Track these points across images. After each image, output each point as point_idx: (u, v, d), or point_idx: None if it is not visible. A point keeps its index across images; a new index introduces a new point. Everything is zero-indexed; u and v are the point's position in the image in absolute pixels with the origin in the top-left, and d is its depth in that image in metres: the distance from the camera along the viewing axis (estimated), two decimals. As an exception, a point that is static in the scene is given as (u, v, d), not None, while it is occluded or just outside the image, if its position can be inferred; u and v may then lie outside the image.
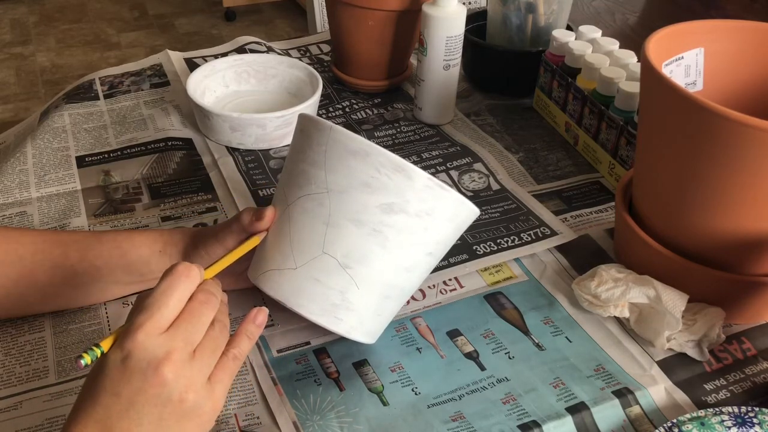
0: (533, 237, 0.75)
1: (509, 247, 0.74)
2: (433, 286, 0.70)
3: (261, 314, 0.53)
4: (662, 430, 0.55)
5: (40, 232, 0.65)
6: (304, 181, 0.55)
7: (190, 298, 0.48)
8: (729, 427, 0.55)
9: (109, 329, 0.64)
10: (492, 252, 0.73)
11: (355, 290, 0.54)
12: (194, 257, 0.62)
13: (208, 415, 0.47)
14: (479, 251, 0.73)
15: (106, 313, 0.66)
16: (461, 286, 0.70)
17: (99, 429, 0.44)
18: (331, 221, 0.53)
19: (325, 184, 0.54)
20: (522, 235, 0.75)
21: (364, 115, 0.97)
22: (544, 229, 0.76)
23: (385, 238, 0.53)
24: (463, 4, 0.97)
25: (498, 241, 0.74)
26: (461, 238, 0.74)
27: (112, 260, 0.62)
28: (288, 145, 0.90)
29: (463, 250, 0.73)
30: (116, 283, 0.63)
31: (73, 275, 0.61)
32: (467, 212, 0.56)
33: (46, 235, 0.63)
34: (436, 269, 0.70)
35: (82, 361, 0.44)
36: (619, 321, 0.66)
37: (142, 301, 0.47)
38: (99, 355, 0.45)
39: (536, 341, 0.65)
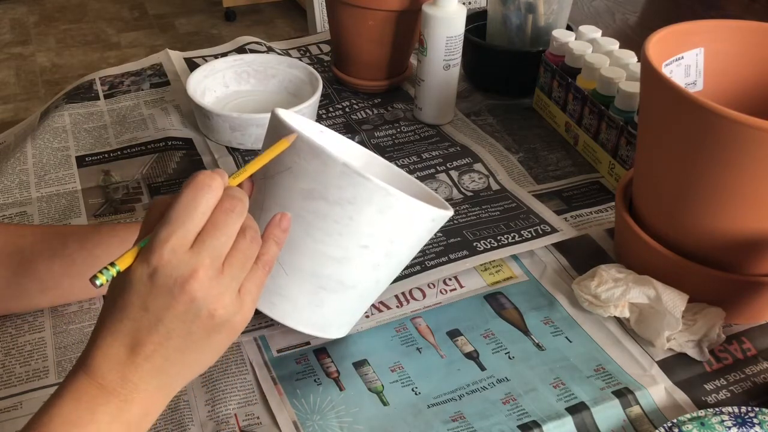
0: (533, 234, 0.75)
1: (509, 244, 0.74)
2: (433, 285, 0.70)
3: (285, 219, 0.51)
4: (662, 430, 0.55)
5: (40, 226, 0.66)
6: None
7: (215, 208, 0.45)
8: (729, 427, 0.55)
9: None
10: (492, 248, 0.73)
11: (283, 276, 0.54)
12: None
13: (237, 327, 0.46)
14: (479, 248, 0.73)
15: (106, 313, 0.66)
16: (461, 286, 0.70)
17: (129, 341, 0.43)
18: (264, 206, 0.54)
19: (263, 171, 0.55)
20: (522, 232, 0.75)
21: (364, 115, 0.97)
22: (544, 227, 0.76)
23: (308, 225, 0.52)
24: (463, 4, 0.98)
25: (498, 238, 0.74)
26: (460, 234, 0.75)
27: (111, 248, 0.62)
28: (288, 145, 0.90)
29: (463, 246, 0.73)
30: None
31: (72, 264, 0.61)
32: (402, 205, 0.53)
33: (45, 228, 0.64)
34: (436, 266, 0.70)
35: (98, 281, 0.43)
36: (619, 321, 0.66)
37: (161, 211, 0.45)
38: (114, 275, 0.44)
39: (536, 341, 0.64)
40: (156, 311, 0.43)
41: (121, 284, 0.44)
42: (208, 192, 0.45)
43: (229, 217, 0.45)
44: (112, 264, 0.43)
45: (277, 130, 0.55)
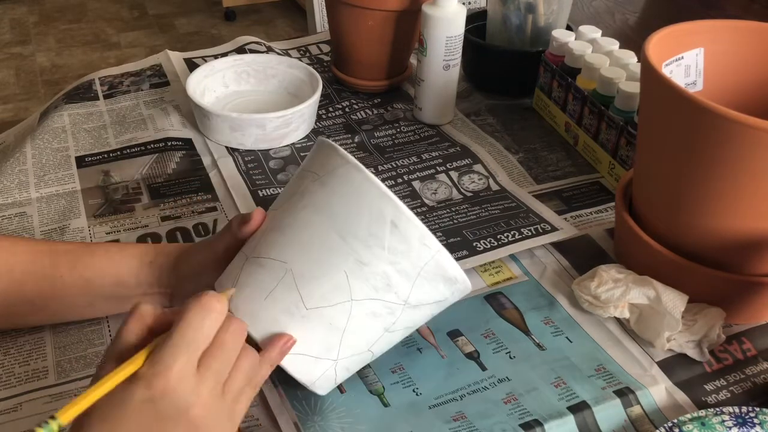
0: (533, 233, 0.75)
1: (509, 243, 0.74)
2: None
3: (290, 342, 0.51)
4: (663, 430, 0.55)
5: (35, 242, 0.64)
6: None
7: (221, 328, 0.46)
8: (730, 428, 0.55)
9: (108, 329, 0.64)
10: (492, 248, 0.73)
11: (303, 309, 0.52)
12: (184, 266, 0.61)
13: None
14: (479, 248, 0.73)
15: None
16: (461, 287, 0.70)
17: None
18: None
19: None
20: (522, 230, 0.75)
21: (364, 116, 0.97)
22: (544, 226, 0.76)
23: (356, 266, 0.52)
24: (463, 4, 0.97)
25: (498, 237, 0.74)
26: (459, 234, 0.74)
27: (103, 270, 0.60)
28: (287, 146, 0.90)
29: (463, 246, 0.73)
30: (104, 296, 0.61)
31: (62, 287, 0.60)
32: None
33: (39, 246, 0.62)
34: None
35: None
36: (619, 321, 0.66)
37: (147, 324, 0.46)
38: (56, 429, 0.40)
39: (537, 341, 0.64)
40: None
41: (118, 406, 0.42)
42: (216, 315, 0.45)
43: (236, 338, 0.46)
44: (53, 417, 0.40)
45: (321, 151, 0.54)
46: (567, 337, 0.65)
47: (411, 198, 0.81)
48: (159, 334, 0.46)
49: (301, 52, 1.12)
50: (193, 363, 0.44)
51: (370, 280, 0.51)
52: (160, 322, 0.47)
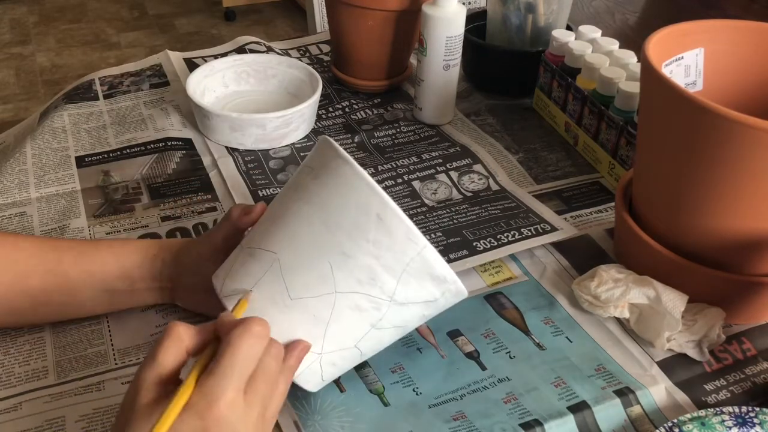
0: (533, 232, 0.75)
1: (509, 242, 0.74)
2: (433, 286, 0.70)
3: (306, 348, 0.51)
4: (663, 430, 0.55)
5: (38, 238, 0.64)
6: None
7: (264, 352, 0.47)
8: (730, 427, 0.55)
9: (108, 328, 0.64)
10: (492, 248, 0.73)
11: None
12: (185, 259, 0.61)
13: None
14: (479, 248, 0.73)
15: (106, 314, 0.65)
16: (461, 286, 0.70)
17: None
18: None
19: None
20: (522, 230, 0.75)
21: (364, 116, 0.97)
22: (544, 225, 0.76)
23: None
24: (463, 4, 0.97)
25: (498, 236, 0.74)
26: (459, 234, 0.74)
27: (106, 265, 0.61)
28: (287, 146, 0.90)
29: (462, 246, 0.73)
30: (107, 291, 0.62)
31: (66, 281, 0.60)
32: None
33: (43, 241, 0.62)
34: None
35: None
36: (619, 321, 0.66)
37: (187, 346, 0.46)
38: None
39: (537, 341, 0.64)
40: None
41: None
42: (262, 340, 0.46)
43: (278, 362, 0.47)
44: None
45: (324, 154, 0.54)
46: (567, 337, 0.65)
47: (411, 198, 0.81)
48: (195, 354, 0.47)
49: (301, 52, 1.12)
50: (242, 390, 0.44)
51: (354, 272, 0.50)
52: (195, 342, 0.47)
